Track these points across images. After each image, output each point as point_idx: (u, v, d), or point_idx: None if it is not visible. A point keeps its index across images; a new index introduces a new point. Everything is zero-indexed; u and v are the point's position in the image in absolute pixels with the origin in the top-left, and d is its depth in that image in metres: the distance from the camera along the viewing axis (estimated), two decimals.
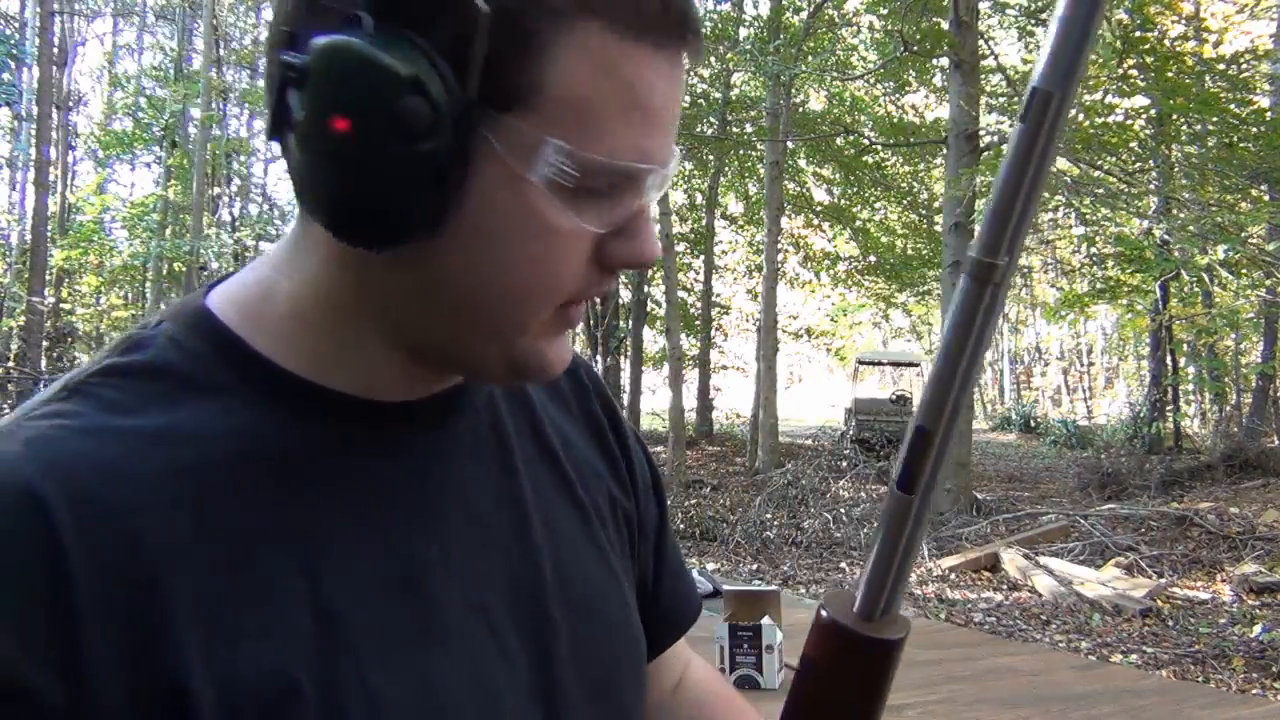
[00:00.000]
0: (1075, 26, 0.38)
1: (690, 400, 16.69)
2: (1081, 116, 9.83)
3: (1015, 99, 10.30)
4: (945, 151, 11.22)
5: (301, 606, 0.45)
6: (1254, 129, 9.26)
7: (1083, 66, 0.39)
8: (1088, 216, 10.90)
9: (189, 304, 0.51)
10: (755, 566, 7.66)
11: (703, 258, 19.52)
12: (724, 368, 21.80)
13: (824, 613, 0.46)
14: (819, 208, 19.35)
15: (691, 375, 18.07)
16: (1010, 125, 11.94)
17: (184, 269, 14.06)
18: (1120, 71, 9.75)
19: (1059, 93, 0.39)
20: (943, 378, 0.42)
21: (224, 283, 0.53)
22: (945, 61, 11.39)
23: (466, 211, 0.44)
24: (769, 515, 8.86)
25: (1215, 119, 9.49)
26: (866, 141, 15.54)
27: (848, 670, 0.46)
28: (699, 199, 19.82)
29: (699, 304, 19.55)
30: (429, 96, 0.41)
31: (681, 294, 17.68)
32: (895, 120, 16.32)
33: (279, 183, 31.52)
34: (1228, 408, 16.36)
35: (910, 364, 20.50)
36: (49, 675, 0.38)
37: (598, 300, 16.91)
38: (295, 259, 0.50)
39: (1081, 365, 30.85)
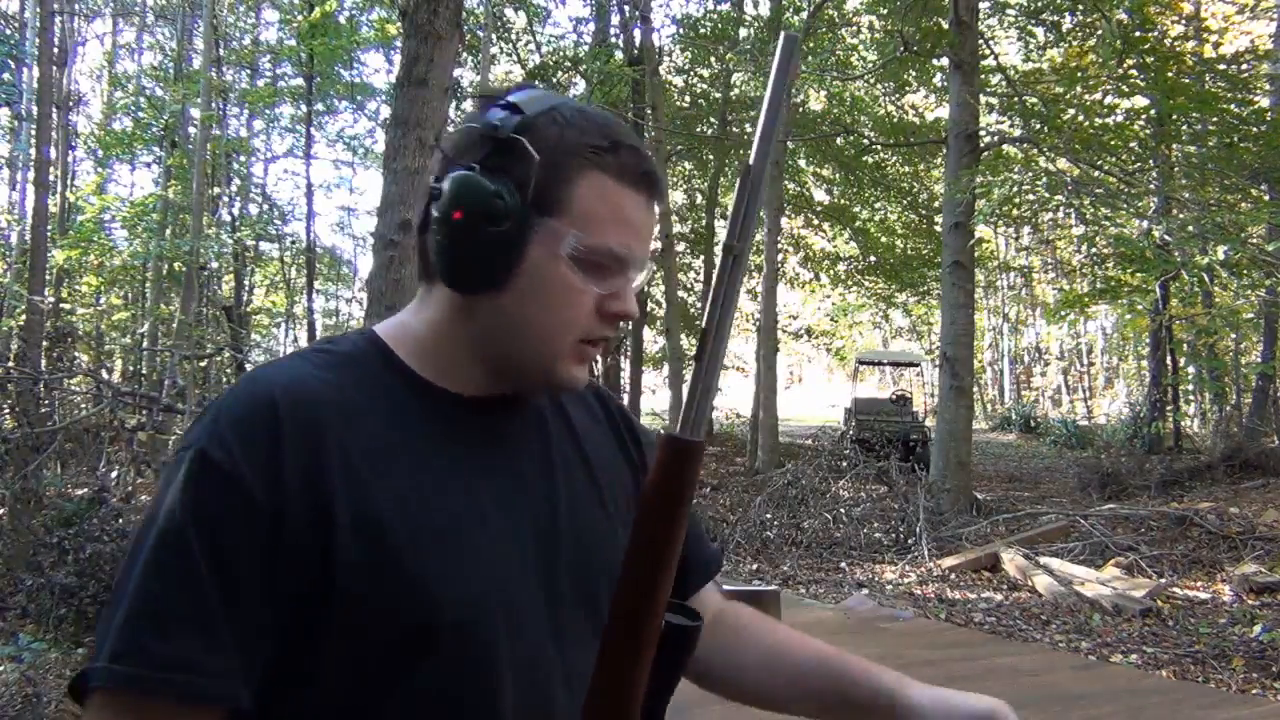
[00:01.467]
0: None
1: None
2: (1081, 116, 9.84)
3: (1015, 99, 10.31)
4: (945, 151, 11.22)
5: (408, 487, 0.77)
6: (1254, 129, 9.26)
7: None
8: (1088, 216, 10.89)
9: (364, 329, 0.88)
10: (755, 566, 7.66)
11: (703, 258, 19.52)
12: (724, 368, 21.80)
13: (660, 432, 0.78)
14: (819, 208, 19.33)
15: (690, 375, 18.04)
16: (1010, 125, 11.94)
17: (184, 269, 14.04)
18: (1120, 71, 9.74)
19: (758, 167, 0.70)
20: (714, 299, 0.71)
21: (382, 323, 0.88)
22: (945, 61, 11.39)
23: (523, 273, 0.78)
24: (769, 515, 8.85)
25: (1215, 119, 9.48)
26: (866, 141, 15.54)
27: (672, 461, 0.73)
28: (699, 199, 19.82)
29: (699, 304, 19.56)
30: (504, 200, 0.76)
31: (681, 294, 17.66)
32: (895, 120, 16.31)
33: (279, 183, 31.52)
34: (1228, 408, 16.35)
35: (910, 364, 20.47)
36: (261, 484, 0.71)
37: None
38: (421, 311, 0.85)
39: (1081, 365, 30.85)
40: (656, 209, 0.83)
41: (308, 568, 0.72)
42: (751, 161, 0.70)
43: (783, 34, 0.71)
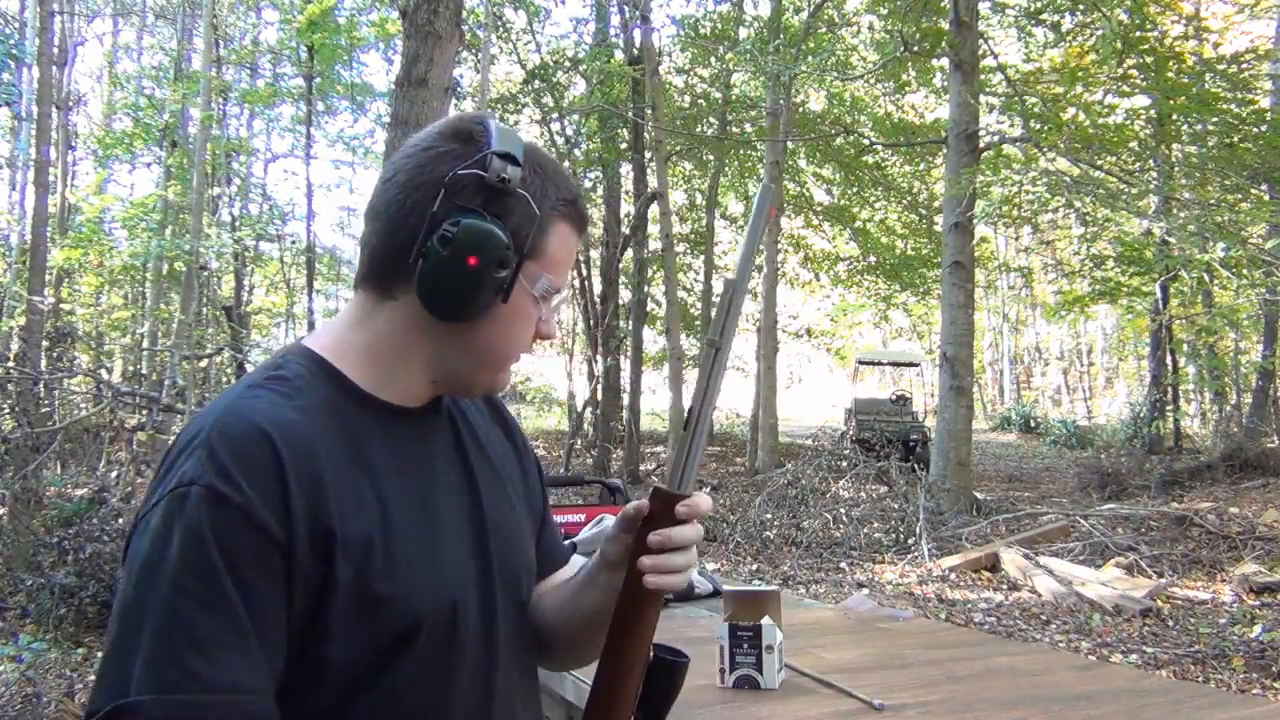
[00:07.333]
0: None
1: (690, 400, 16.64)
2: (1082, 116, 9.83)
3: (1015, 99, 10.31)
4: (945, 151, 11.21)
5: (374, 505, 0.84)
6: (1254, 129, 9.25)
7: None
8: (1088, 216, 10.89)
9: (297, 346, 0.92)
10: (755, 566, 7.66)
11: (703, 258, 19.50)
12: (725, 368, 21.75)
13: (654, 484, 0.87)
14: (819, 208, 19.32)
15: (691, 375, 18.03)
16: (1010, 125, 11.92)
17: (184, 269, 14.05)
18: (1120, 71, 9.74)
19: (740, 286, 0.87)
20: (698, 391, 0.89)
21: (311, 335, 0.94)
22: (945, 61, 11.38)
23: (504, 306, 0.87)
24: (769, 515, 8.85)
25: (1215, 119, 9.48)
26: (866, 141, 15.53)
27: (661, 512, 0.87)
28: (699, 199, 19.80)
29: (699, 304, 19.54)
30: (509, 250, 0.85)
31: (681, 294, 17.65)
32: (895, 120, 16.29)
33: (279, 183, 31.50)
34: (1228, 408, 16.34)
35: (910, 364, 20.46)
36: (274, 520, 0.77)
37: (598, 301, 16.89)
38: (368, 323, 0.90)
39: (1081, 365, 30.84)
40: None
41: (313, 592, 0.79)
42: (734, 276, 0.87)
43: (761, 185, 0.92)
